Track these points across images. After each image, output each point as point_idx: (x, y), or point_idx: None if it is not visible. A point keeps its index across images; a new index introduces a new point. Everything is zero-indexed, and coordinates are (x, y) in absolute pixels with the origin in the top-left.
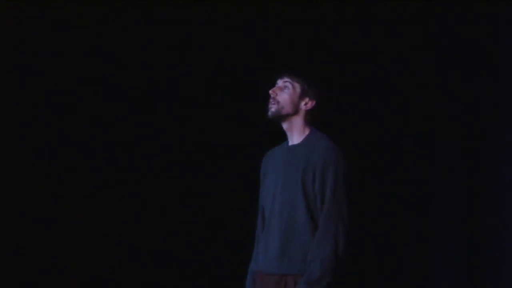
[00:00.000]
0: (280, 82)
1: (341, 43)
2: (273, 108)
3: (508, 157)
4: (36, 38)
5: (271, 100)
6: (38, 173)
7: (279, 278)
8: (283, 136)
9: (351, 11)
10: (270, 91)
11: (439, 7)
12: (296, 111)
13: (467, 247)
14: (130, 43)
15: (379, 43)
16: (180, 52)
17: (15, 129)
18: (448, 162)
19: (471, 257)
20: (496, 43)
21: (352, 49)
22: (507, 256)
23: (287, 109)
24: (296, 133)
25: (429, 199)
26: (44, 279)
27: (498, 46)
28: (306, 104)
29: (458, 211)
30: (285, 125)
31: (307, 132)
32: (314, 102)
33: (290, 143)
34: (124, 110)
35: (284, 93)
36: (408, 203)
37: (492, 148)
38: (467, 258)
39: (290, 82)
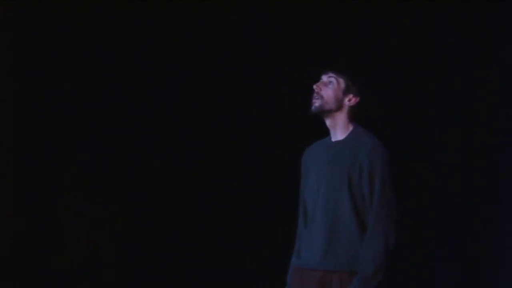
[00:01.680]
0: (324, 77)
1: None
2: (316, 103)
3: (506, 156)
4: (36, 38)
5: (315, 95)
6: (35, 173)
7: (323, 274)
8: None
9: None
10: (314, 86)
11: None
12: (339, 107)
13: (465, 246)
14: (139, 42)
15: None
16: (212, 47)
17: (14, 128)
18: (447, 161)
19: (470, 257)
20: (495, 41)
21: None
22: (506, 255)
23: (331, 104)
24: (339, 129)
25: (427, 198)
26: (41, 278)
27: (498, 44)
28: (350, 100)
29: (455, 210)
30: (328, 121)
31: (350, 128)
32: (358, 99)
33: (333, 139)
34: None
35: (328, 88)
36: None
37: (490, 146)
38: (466, 257)
39: (335, 78)
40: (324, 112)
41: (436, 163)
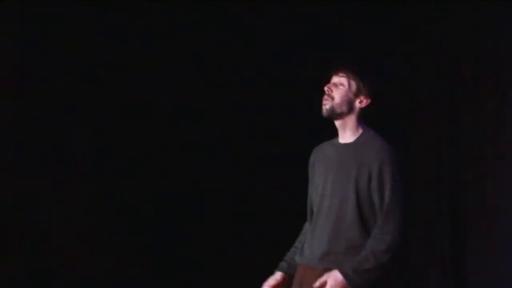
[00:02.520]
0: (335, 78)
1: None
2: (327, 105)
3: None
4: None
5: (325, 96)
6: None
7: (321, 271)
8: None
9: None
10: (325, 87)
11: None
12: (350, 109)
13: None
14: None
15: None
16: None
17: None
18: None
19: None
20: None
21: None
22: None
23: (342, 107)
24: (349, 131)
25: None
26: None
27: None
28: (361, 102)
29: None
30: (338, 123)
31: (360, 130)
32: (369, 101)
33: (342, 141)
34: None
35: (339, 89)
36: None
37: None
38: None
39: (346, 79)
40: (335, 115)
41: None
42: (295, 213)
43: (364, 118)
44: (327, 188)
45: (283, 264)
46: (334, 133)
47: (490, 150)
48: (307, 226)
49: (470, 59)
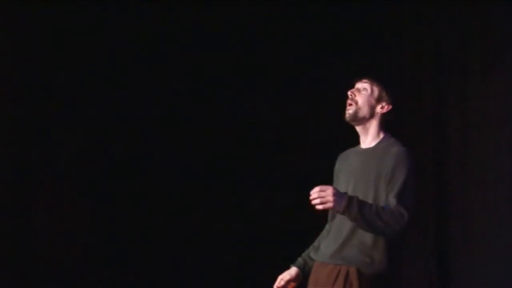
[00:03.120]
0: (359, 84)
1: None
2: (350, 110)
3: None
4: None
5: (349, 101)
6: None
7: (333, 267)
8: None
9: None
10: (349, 92)
11: None
12: (372, 115)
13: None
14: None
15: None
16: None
17: None
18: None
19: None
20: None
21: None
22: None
23: (364, 111)
24: (370, 136)
25: None
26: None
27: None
28: (383, 108)
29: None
30: (359, 128)
31: (381, 136)
32: (390, 107)
33: (363, 146)
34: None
35: (362, 95)
36: None
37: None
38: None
39: (369, 85)
40: (357, 120)
41: None
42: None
43: (385, 125)
44: (348, 192)
45: (299, 260)
46: (356, 140)
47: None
48: (327, 227)
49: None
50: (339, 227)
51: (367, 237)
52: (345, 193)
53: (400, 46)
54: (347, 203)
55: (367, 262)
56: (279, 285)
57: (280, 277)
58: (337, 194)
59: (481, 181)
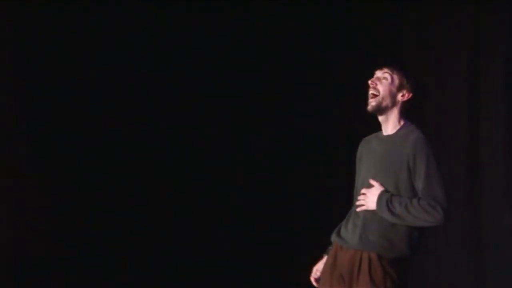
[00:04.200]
0: (379, 73)
1: None
2: (374, 102)
3: None
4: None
5: (370, 90)
6: None
7: (354, 253)
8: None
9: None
10: (369, 81)
11: None
12: (394, 103)
13: None
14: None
15: None
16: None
17: None
18: None
19: None
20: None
21: None
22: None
23: (387, 100)
24: (391, 124)
25: None
26: None
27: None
28: (403, 96)
29: None
30: (381, 118)
31: (402, 123)
32: (411, 95)
33: (385, 133)
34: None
35: (383, 84)
36: None
37: None
38: None
39: (389, 74)
40: (380, 110)
41: None
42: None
43: (406, 113)
44: (368, 178)
45: (330, 248)
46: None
47: None
48: (351, 211)
49: None
50: (360, 212)
51: (385, 221)
52: (379, 190)
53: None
54: (377, 199)
55: (386, 246)
56: (315, 276)
57: (315, 268)
58: (371, 192)
59: None
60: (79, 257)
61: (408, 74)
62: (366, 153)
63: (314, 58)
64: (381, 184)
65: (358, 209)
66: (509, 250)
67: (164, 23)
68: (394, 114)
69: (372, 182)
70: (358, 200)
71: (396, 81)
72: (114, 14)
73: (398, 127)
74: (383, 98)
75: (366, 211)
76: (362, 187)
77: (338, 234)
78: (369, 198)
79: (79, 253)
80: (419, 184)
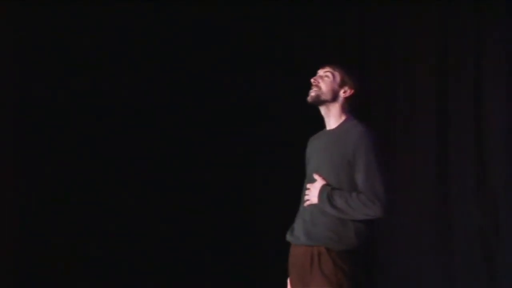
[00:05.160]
0: (321, 72)
1: None
2: (313, 92)
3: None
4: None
5: (313, 87)
6: None
7: (305, 249)
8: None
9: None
10: (312, 79)
11: None
12: (334, 98)
13: None
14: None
15: None
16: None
17: None
18: None
19: None
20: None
21: None
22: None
23: (327, 95)
24: (333, 118)
25: None
26: None
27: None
28: (345, 92)
29: None
30: (323, 111)
31: (343, 118)
32: (353, 91)
33: (328, 128)
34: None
35: (325, 81)
36: None
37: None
38: None
39: (331, 72)
40: (319, 102)
41: None
42: None
43: (350, 108)
44: (314, 173)
45: None
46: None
47: None
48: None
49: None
50: (304, 207)
51: (332, 215)
52: (321, 184)
53: None
54: (319, 193)
55: (334, 239)
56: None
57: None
58: (314, 186)
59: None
60: (79, 257)
61: (350, 71)
62: (313, 150)
63: (280, 61)
64: (324, 178)
65: (305, 204)
66: (477, 249)
67: None
68: (335, 109)
69: (315, 176)
70: (305, 195)
71: (338, 78)
72: (114, 14)
73: (340, 121)
74: (323, 93)
75: (313, 205)
76: (309, 183)
77: (292, 233)
78: (312, 193)
79: (79, 253)
80: (359, 178)
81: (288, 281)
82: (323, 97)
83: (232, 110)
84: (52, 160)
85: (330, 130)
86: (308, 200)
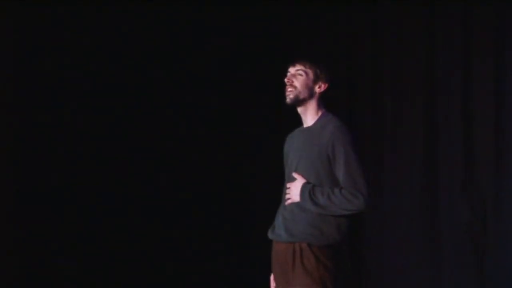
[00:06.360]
0: (292, 70)
1: None
2: (291, 94)
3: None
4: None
5: (288, 87)
6: None
7: (286, 246)
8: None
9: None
10: (286, 79)
11: None
12: (311, 95)
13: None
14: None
15: None
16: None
17: None
18: None
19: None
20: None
21: None
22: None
23: (304, 93)
24: (310, 116)
25: None
26: None
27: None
28: (320, 87)
29: None
30: (300, 109)
31: (319, 114)
32: (327, 85)
33: (305, 125)
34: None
35: (298, 78)
36: None
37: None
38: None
39: (302, 69)
40: (298, 102)
41: None
42: None
43: (324, 103)
44: (292, 171)
45: None
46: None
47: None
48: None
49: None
50: (285, 205)
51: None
52: (301, 182)
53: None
54: (300, 191)
55: (316, 234)
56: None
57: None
58: (294, 185)
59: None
60: (79, 257)
61: (321, 66)
62: (290, 148)
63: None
64: (303, 176)
65: (286, 203)
66: (466, 246)
67: None
68: (312, 106)
69: (294, 174)
70: (285, 194)
71: (311, 74)
72: (114, 14)
73: (316, 117)
74: (300, 92)
75: (294, 203)
76: (289, 181)
77: (273, 230)
78: (293, 191)
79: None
80: (340, 173)
81: (271, 277)
82: (301, 96)
83: (232, 110)
84: (52, 160)
85: (307, 128)
86: (289, 199)
